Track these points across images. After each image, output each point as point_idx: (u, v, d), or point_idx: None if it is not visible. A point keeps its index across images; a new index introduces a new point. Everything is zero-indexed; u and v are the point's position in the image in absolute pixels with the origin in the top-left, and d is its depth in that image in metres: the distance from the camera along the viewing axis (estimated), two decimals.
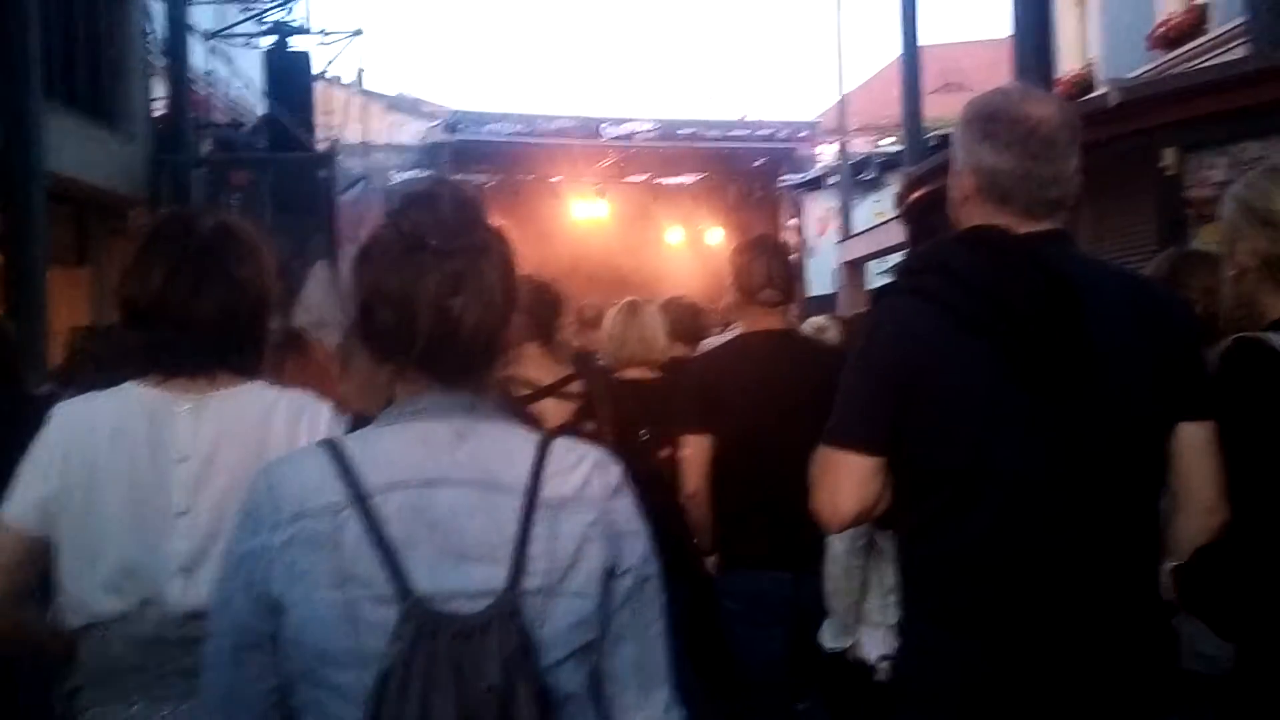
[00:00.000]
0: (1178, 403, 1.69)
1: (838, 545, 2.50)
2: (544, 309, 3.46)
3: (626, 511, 1.32)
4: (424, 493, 1.24)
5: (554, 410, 3.25)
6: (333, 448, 1.27)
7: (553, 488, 1.28)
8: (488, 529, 1.24)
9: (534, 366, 3.32)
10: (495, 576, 1.22)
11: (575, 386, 3.29)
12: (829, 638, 2.64)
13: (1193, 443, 1.69)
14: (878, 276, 15.48)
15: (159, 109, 13.05)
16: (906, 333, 1.69)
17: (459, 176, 20.58)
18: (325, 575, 1.21)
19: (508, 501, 1.25)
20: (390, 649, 1.16)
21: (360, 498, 1.22)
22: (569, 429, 3.21)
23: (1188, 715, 1.74)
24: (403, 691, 1.15)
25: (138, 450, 1.66)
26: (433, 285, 1.25)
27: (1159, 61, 12.32)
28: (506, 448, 1.30)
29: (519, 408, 3.19)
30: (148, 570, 1.62)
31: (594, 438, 3.19)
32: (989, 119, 1.73)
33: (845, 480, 1.70)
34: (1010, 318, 1.61)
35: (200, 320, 1.69)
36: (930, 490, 1.68)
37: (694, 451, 3.05)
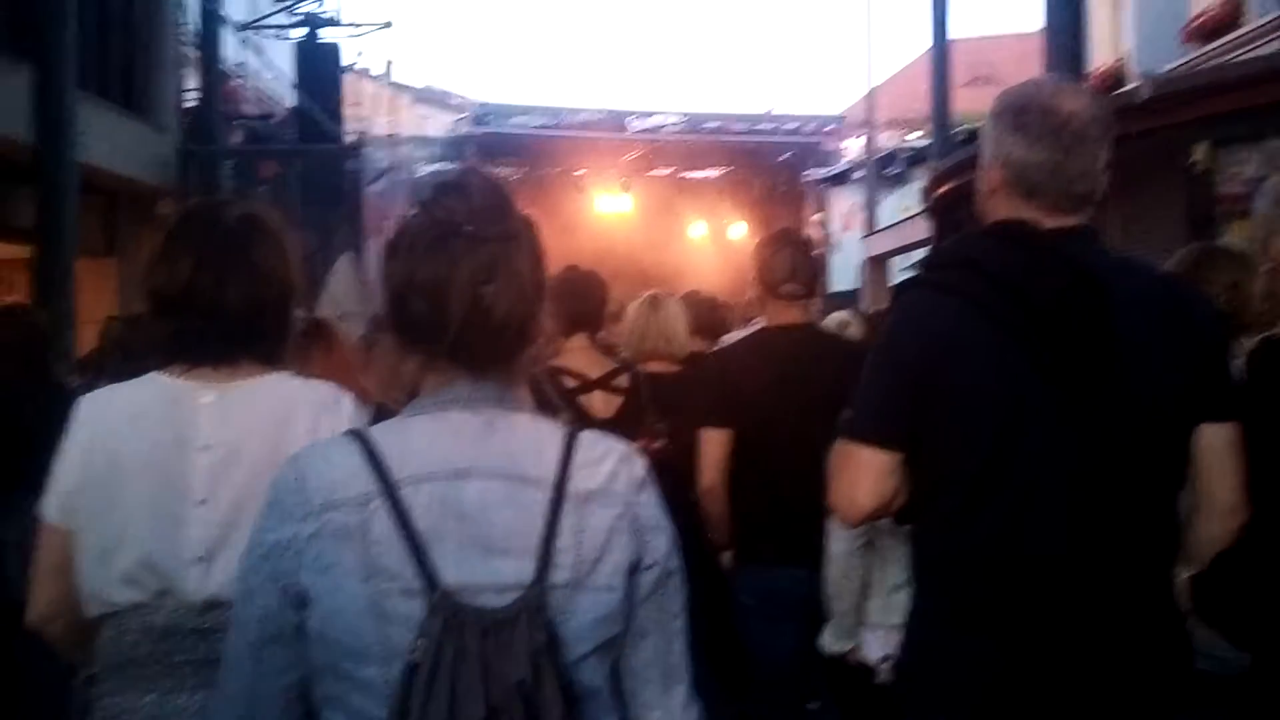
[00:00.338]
0: (1200, 402, 1.67)
1: (837, 547, 2.49)
2: (592, 301, 3.47)
3: (651, 505, 1.32)
4: (453, 485, 1.24)
5: (601, 403, 3.27)
6: (361, 438, 1.26)
7: (580, 480, 1.27)
8: (516, 522, 1.24)
9: (582, 358, 3.33)
10: (523, 570, 1.22)
11: (622, 380, 3.31)
12: (830, 641, 2.63)
13: (1214, 443, 1.67)
14: (902, 272, 15.38)
15: (190, 100, 13.17)
16: (928, 327, 1.68)
17: (485, 168, 20.58)
18: (353, 568, 1.20)
19: (536, 494, 1.25)
20: (417, 643, 1.16)
21: (389, 489, 1.22)
22: (627, 426, 3.21)
23: (1200, 716, 1.73)
24: (430, 686, 1.14)
25: (160, 439, 1.67)
26: (466, 272, 1.24)
27: (1194, 55, 12.14)
28: (535, 440, 1.30)
29: (568, 399, 3.21)
30: (166, 560, 1.63)
31: (649, 435, 3.21)
32: (1020, 111, 1.71)
33: (863, 475, 1.69)
34: (1034, 313, 1.60)
35: (226, 309, 1.70)
36: (947, 486, 1.67)
37: (712, 446, 3.04)
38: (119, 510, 1.64)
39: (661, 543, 1.32)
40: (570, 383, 3.30)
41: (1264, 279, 1.89)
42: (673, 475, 3.15)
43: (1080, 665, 1.61)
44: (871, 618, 2.56)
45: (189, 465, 1.66)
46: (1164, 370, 1.64)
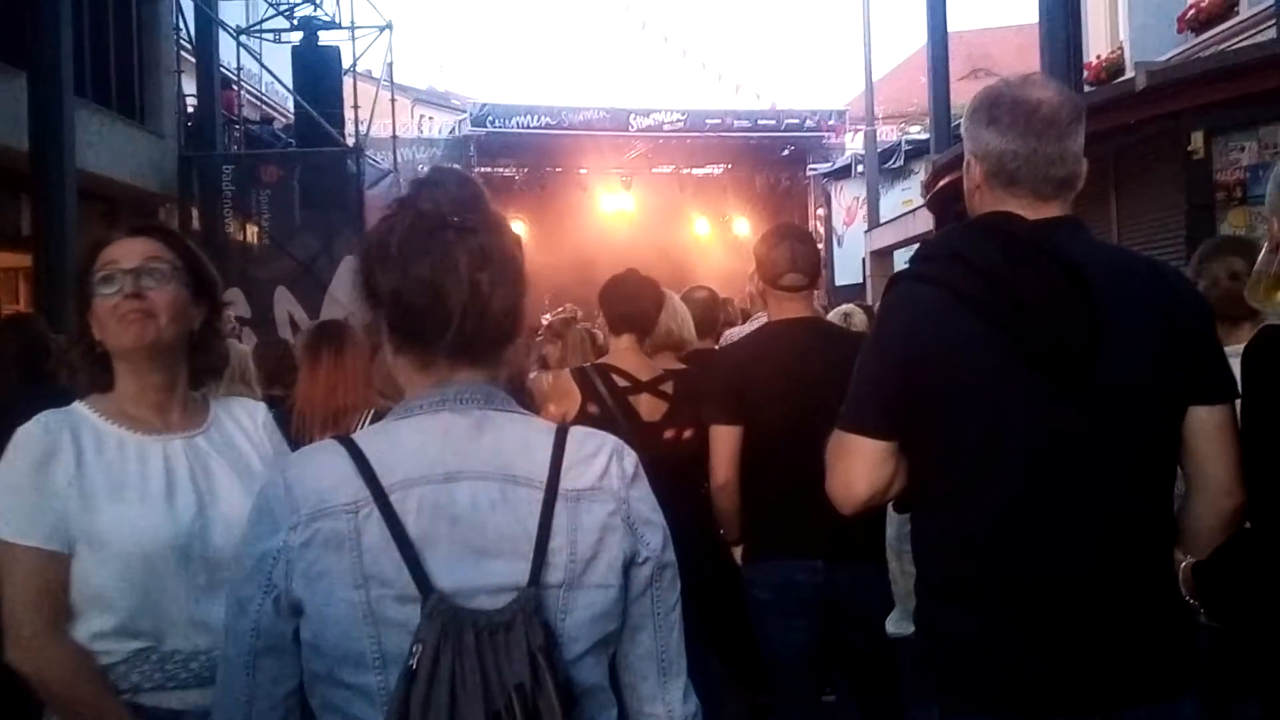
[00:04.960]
0: (1190, 386, 1.68)
1: (889, 531, 2.50)
2: (642, 303, 3.45)
3: (644, 499, 1.31)
4: (443, 488, 1.22)
5: (647, 406, 3.27)
6: (348, 444, 1.24)
7: (572, 479, 1.26)
8: (509, 523, 1.23)
9: (631, 359, 3.33)
10: (517, 571, 1.21)
11: (668, 386, 3.30)
12: (891, 624, 2.64)
13: (1206, 426, 1.69)
14: (905, 265, 15.37)
15: (189, 106, 13.19)
16: (919, 319, 1.70)
17: (486, 169, 20.71)
18: (346, 576, 1.18)
19: (528, 494, 1.24)
20: (414, 649, 1.15)
21: (379, 495, 1.20)
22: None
23: (1202, 694, 1.74)
24: (429, 692, 1.13)
25: None
26: (463, 261, 1.23)
27: (1189, 45, 12.16)
28: (525, 439, 1.29)
29: (619, 398, 3.23)
30: None
31: (682, 426, 3.21)
32: (993, 105, 1.76)
33: (858, 463, 1.72)
34: (1020, 303, 1.62)
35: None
36: (941, 472, 1.69)
37: (723, 442, 3.04)
38: None
39: (655, 537, 1.31)
40: (621, 382, 3.30)
41: (1263, 259, 1.89)
42: (683, 471, 3.18)
43: (1078, 647, 1.63)
44: None
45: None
46: (1151, 355, 1.66)
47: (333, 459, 1.24)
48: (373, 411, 3.33)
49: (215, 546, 1.71)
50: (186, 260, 1.82)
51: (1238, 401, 1.71)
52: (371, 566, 1.18)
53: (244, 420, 1.91)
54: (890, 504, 1.85)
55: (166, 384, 1.81)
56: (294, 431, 3.21)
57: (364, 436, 1.27)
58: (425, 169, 17.25)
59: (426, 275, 1.23)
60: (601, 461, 1.29)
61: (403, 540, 1.19)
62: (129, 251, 1.77)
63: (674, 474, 2.75)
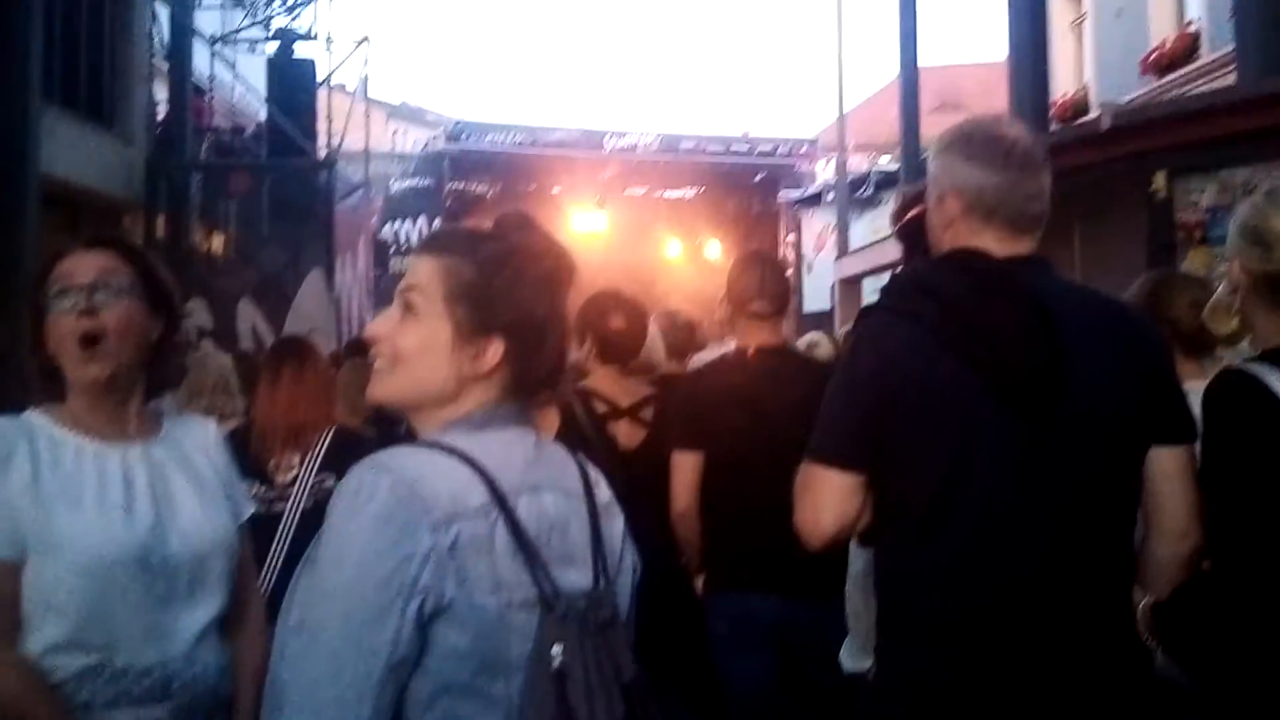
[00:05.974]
0: (1152, 427, 1.70)
1: (856, 565, 2.50)
2: (640, 331, 3.35)
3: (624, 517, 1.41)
4: (536, 497, 1.27)
5: (626, 433, 3.18)
6: (450, 449, 1.24)
7: (598, 494, 1.36)
8: (579, 532, 1.30)
9: (611, 384, 3.23)
10: (585, 577, 1.28)
11: (648, 413, 3.22)
12: (848, 659, 2.63)
13: (1166, 466, 1.71)
14: (874, 293, 15.48)
15: (159, 112, 13.04)
16: (888, 352, 1.71)
17: (459, 186, 20.68)
18: (484, 579, 1.19)
19: (580, 506, 1.32)
20: (554, 651, 1.16)
21: (501, 500, 1.22)
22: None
23: None
24: (572, 690, 1.16)
25: None
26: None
27: (1152, 86, 12.40)
28: (559, 455, 1.37)
29: (598, 424, 3.13)
30: None
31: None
32: (968, 142, 1.79)
33: (826, 496, 1.72)
34: (987, 338, 1.63)
35: None
36: (906, 506, 1.69)
37: (683, 470, 3.02)
38: None
39: (636, 550, 1.40)
40: (600, 408, 3.21)
41: (1224, 300, 1.92)
42: (648, 498, 3.14)
43: (1039, 684, 1.63)
44: None
45: None
46: (1116, 394, 1.68)
47: (446, 459, 1.23)
48: (334, 429, 3.30)
49: (173, 555, 1.70)
50: (144, 274, 1.80)
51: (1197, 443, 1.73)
52: (501, 571, 1.20)
53: (197, 434, 1.90)
54: (854, 538, 1.85)
55: (122, 399, 1.79)
56: (253, 448, 3.17)
57: (456, 440, 1.26)
58: (401, 184, 17.20)
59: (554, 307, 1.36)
60: (604, 480, 1.40)
61: (527, 546, 1.22)
62: (84, 266, 1.75)
63: (651, 502, 2.73)
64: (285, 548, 3.04)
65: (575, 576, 1.27)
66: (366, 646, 1.13)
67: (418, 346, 1.29)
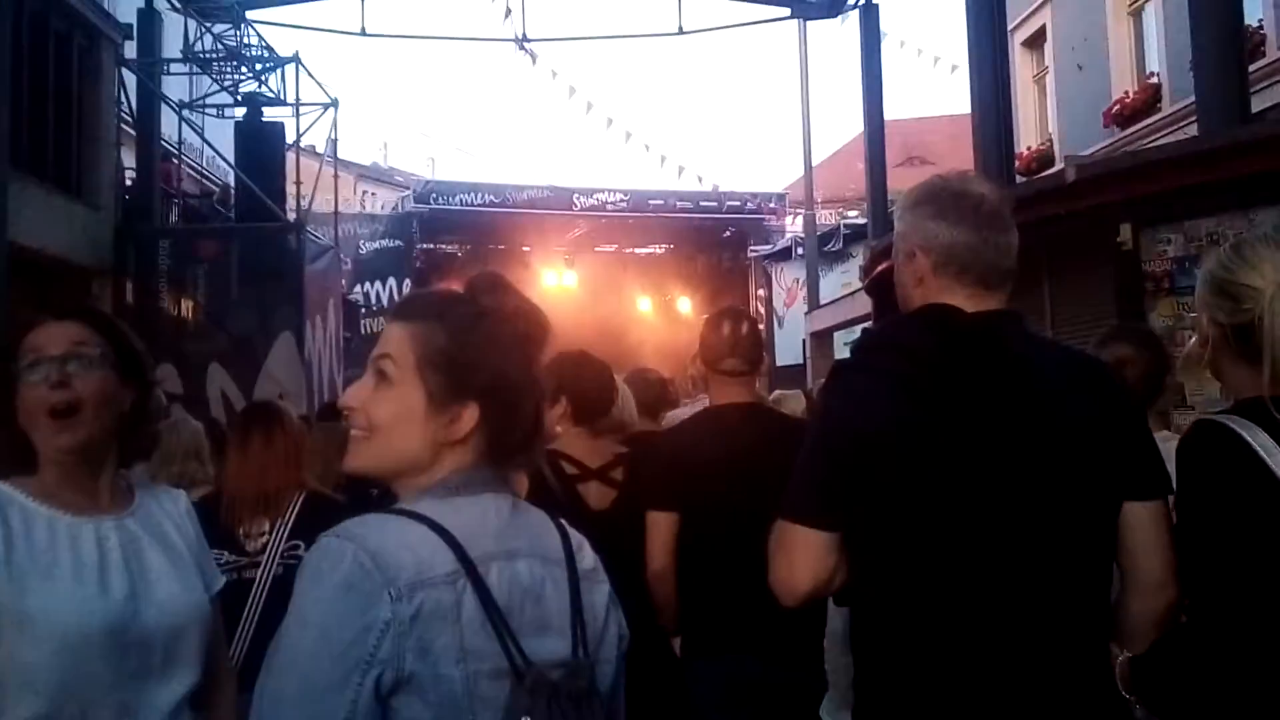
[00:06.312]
0: (1124, 482, 1.70)
1: (836, 622, 2.47)
2: (610, 391, 3.32)
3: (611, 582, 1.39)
4: (509, 564, 1.25)
5: (596, 494, 3.12)
6: (421, 516, 1.23)
7: (580, 560, 1.33)
8: (556, 600, 1.27)
9: (580, 445, 3.17)
10: (562, 646, 1.26)
11: (618, 473, 3.18)
12: (828, 716, 2.59)
13: (1141, 521, 1.70)
14: (844, 347, 15.61)
15: (127, 178, 13.01)
16: (861, 408, 1.70)
17: (429, 246, 20.72)
18: (449, 649, 1.16)
19: (560, 574, 1.30)
20: None
21: (470, 568, 1.20)
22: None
23: None
24: None
25: None
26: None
27: (1115, 138, 12.68)
28: (539, 521, 1.35)
29: (567, 486, 3.08)
30: None
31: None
32: (935, 199, 1.79)
33: (800, 554, 1.70)
34: (962, 396, 1.63)
35: None
36: (880, 563, 1.67)
37: (659, 529, 2.99)
38: None
39: (622, 616, 1.38)
40: (569, 470, 3.15)
41: (1194, 352, 1.92)
42: (633, 562, 3.09)
43: None
44: None
45: None
46: (1089, 449, 1.67)
47: (414, 527, 1.21)
48: (304, 494, 3.24)
49: (148, 630, 1.67)
50: (115, 344, 1.78)
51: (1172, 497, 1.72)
52: (470, 640, 1.17)
53: (168, 505, 1.87)
54: (830, 598, 1.83)
55: (94, 471, 1.76)
56: (223, 515, 3.12)
57: (428, 507, 1.25)
58: (371, 245, 17.23)
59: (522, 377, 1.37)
60: (588, 546, 1.37)
61: (494, 614, 1.19)
62: (55, 338, 1.73)
63: (622, 564, 2.68)
64: (256, 616, 2.98)
65: (552, 645, 1.24)
66: (323, 717, 1.12)
67: (392, 415, 1.28)
